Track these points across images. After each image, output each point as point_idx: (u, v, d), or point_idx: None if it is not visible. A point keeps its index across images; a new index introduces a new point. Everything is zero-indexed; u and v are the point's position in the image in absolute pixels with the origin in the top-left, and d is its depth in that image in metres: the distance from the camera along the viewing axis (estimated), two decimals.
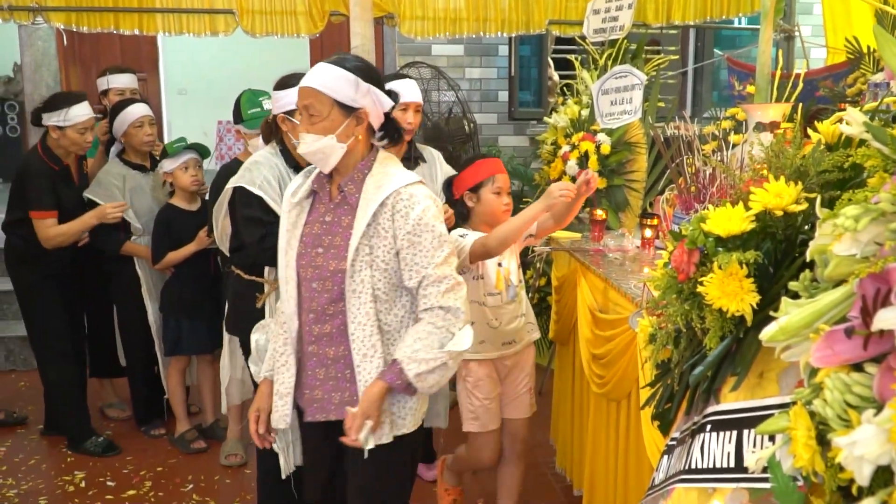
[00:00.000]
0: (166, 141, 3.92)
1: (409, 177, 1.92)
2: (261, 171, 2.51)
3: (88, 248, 3.61)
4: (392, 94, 2.01)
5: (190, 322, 3.58)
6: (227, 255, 2.84)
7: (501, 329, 2.66)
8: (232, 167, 3.16)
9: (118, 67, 3.98)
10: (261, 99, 3.27)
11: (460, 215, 2.71)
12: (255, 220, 2.47)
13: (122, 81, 3.87)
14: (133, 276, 3.61)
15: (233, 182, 2.54)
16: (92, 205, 3.48)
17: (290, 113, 2.49)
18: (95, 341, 3.89)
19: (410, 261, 1.86)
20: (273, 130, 2.66)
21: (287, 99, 2.51)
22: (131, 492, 3.25)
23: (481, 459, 2.78)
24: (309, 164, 2.10)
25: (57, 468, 3.45)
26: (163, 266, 3.54)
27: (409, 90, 2.96)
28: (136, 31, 4.50)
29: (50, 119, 3.37)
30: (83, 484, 3.31)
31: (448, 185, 2.78)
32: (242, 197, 2.51)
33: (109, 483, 3.32)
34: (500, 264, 2.63)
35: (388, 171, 1.92)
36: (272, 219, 2.41)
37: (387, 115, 1.97)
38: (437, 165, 3.12)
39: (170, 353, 3.63)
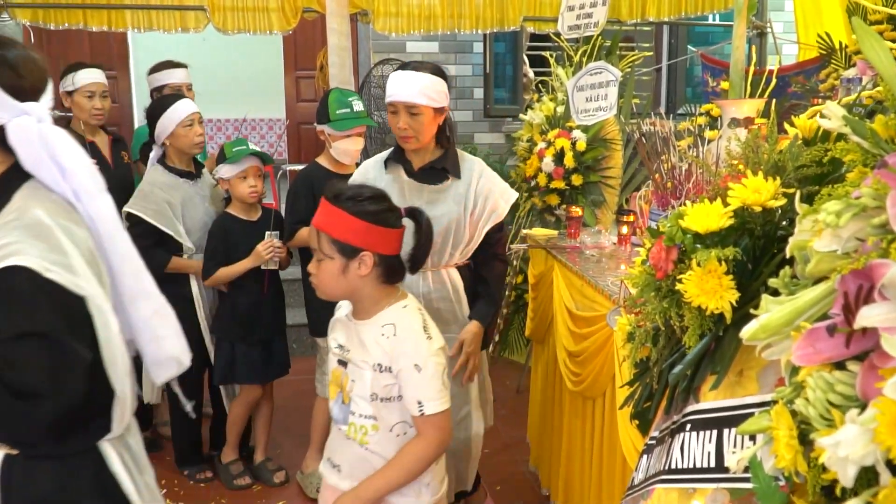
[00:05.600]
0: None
1: None
2: None
3: None
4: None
5: (243, 347, 3.15)
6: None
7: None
8: (310, 172, 3.06)
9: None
10: (350, 99, 3.06)
11: None
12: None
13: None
14: (188, 296, 3.14)
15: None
16: (135, 221, 3.00)
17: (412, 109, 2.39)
18: None
19: None
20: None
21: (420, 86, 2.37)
22: None
23: None
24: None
25: None
26: (213, 283, 3.10)
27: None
28: (105, 28, 4.43)
29: (61, 87, 3.29)
30: None
31: None
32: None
33: None
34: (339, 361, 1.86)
35: None
36: None
37: None
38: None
39: (221, 381, 3.21)
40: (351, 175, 3.05)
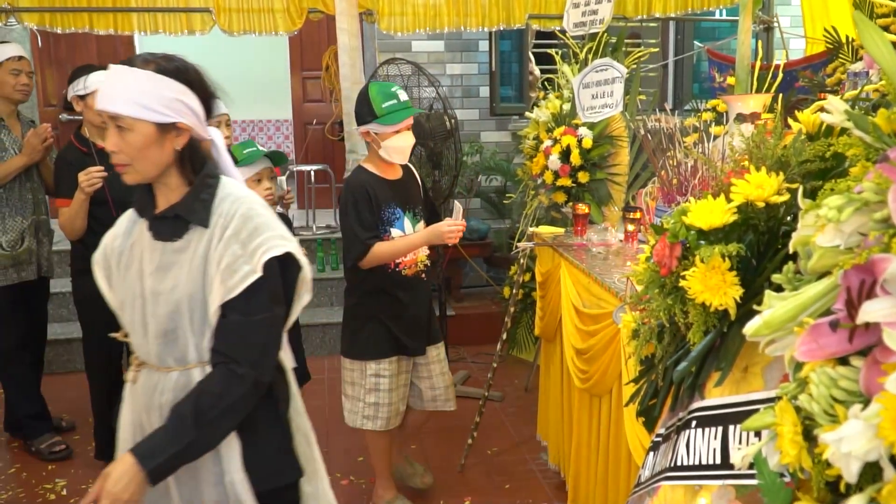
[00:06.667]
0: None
1: None
2: None
3: None
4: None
5: None
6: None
7: None
8: (365, 180, 2.76)
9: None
10: (394, 90, 2.77)
11: None
12: None
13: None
14: None
15: None
16: None
17: None
18: None
19: None
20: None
21: None
22: None
23: None
24: None
25: (38, 476, 3.40)
26: None
27: None
28: (111, 31, 4.44)
29: (72, 90, 3.26)
30: (65, 492, 3.26)
31: None
32: None
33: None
34: None
35: None
36: None
37: None
38: None
39: None
40: (401, 180, 2.88)
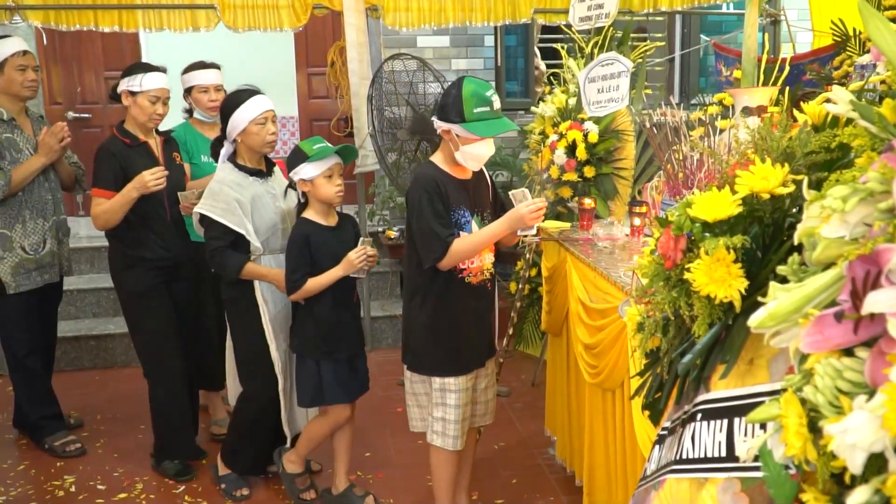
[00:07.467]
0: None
1: None
2: None
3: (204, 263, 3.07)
4: None
5: (330, 364, 2.92)
6: None
7: None
8: (437, 177, 2.58)
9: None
10: (489, 94, 2.55)
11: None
12: None
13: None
14: (253, 304, 2.97)
15: None
16: (209, 222, 2.92)
17: None
18: (199, 355, 3.53)
19: None
20: None
21: None
22: (122, 495, 3.22)
23: None
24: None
25: (46, 473, 3.42)
26: (301, 296, 2.85)
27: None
28: (116, 29, 4.45)
29: (125, 84, 3.22)
30: (73, 489, 3.28)
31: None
32: None
33: (100, 487, 3.29)
34: None
35: None
36: None
37: None
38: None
39: (309, 403, 2.99)
40: (472, 181, 2.68)
